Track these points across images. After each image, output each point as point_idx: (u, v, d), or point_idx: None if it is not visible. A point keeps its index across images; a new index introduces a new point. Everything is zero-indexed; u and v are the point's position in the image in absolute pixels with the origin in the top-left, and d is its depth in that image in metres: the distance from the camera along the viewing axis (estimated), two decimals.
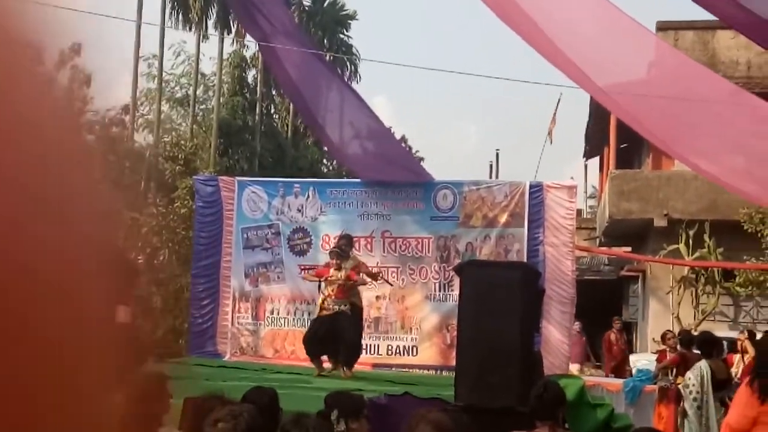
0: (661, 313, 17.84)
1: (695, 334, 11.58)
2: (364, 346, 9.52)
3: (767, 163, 6.35)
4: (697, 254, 16.81)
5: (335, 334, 8.87)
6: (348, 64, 33.72)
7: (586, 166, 28.12)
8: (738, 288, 16.85)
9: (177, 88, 34.88)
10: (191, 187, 14.78)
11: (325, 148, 31.23)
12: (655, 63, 6.18)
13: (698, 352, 9.09)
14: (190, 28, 30.42)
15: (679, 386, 9.15)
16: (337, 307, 8.95)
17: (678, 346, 10.69)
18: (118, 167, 20.77)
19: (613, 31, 5.97)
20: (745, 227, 15.98)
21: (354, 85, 30.14)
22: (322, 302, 9.11)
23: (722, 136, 6.32)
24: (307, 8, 33.31)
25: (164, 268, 16.80)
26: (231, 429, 2.58)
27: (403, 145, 10.61)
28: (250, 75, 33.28)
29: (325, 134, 11.57)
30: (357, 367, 9.45)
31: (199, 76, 31.48)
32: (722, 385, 8.25)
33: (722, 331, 14.37)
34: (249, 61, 32.90)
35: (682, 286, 17.58)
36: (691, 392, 8.32)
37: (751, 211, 15.26)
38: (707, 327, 16.01)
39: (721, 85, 6.28)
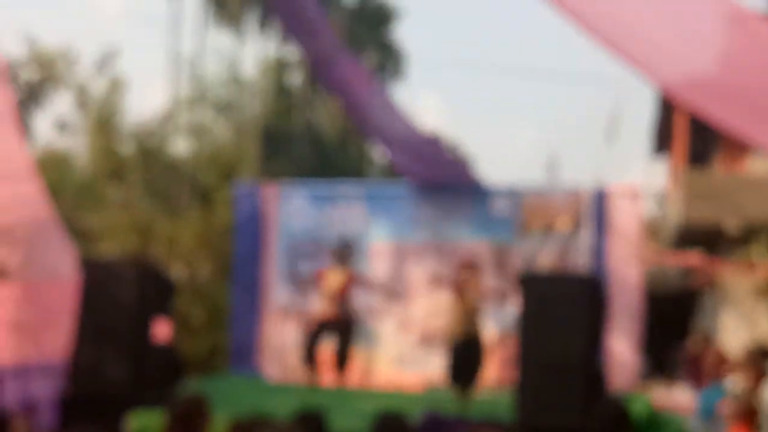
0: (736, 325, 17.48)
1: None
2: (417, 361, 9.58)
3: None
4: None
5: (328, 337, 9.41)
6: (395, 62, 33.76)
7: (651, 169, 27.73)
8: None
9: (217, 93, 35.26)
10: (232, 195, 14.91)
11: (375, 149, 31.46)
12: (725, 51, 6.06)
13: None
14: (232, 33, 30.76)
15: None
16: (336, 313, 9.39)
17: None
18: (158, 177, 21.11)
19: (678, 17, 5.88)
20: None
21: (402, 84, 30.18)
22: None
23: None
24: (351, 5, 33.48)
25: (206, 281, 16.98)
26: None
27: (451, 150, 10.58)
28: (293, 79, 33.51)
29: (375, 136, 11.63)
30: (408, 385, 9.50)
31: (241, 81, 31.79)
32: None
33: None
34: (291, 64, 33.13)
35: (759, 296, 17.21)
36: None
37: None
38: None
39: None
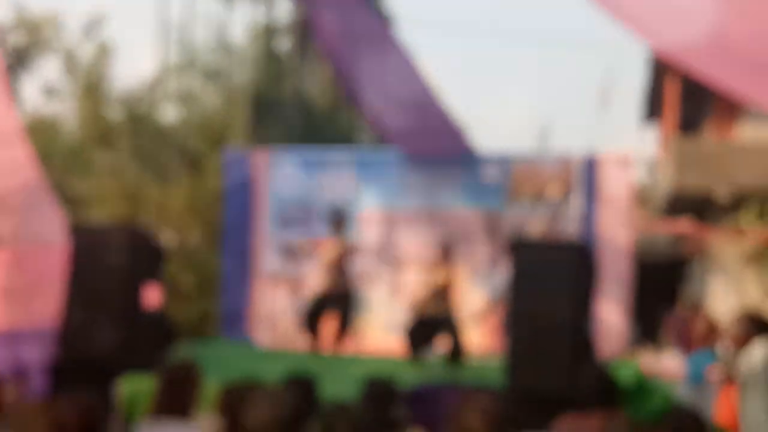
0: (725, 292, 17.62)
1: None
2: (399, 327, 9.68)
3: None
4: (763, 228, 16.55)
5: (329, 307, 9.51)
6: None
7: (642, 136, 27.74)
8: None
9: (205, 59, 35.04)
10: (221, 161, 14.88)
11: (365, 117, 31.31)
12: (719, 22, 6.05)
13: None
14: None
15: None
16: (334, 284, 9.48)
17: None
18: (146, 142, 21.02)
19: None
20: None
21: None
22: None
23: None
24: None
25: (195, 248, 16.99)
26: (270, 415, 2.61)
27: (446, 113, 10.46)
28: (282, 45, 33.29)
29: (364, 103, 11.59)
30: (399, 351, 9.59)
31: (230, 47, 31.57)
32: None
33: None
34: (281, 29, 32.90)
35: (748, 263, 17.33)
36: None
37: None
38: None
39: None
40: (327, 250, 9.57)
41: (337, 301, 9.51)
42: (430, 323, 8.86)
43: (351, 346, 9.82)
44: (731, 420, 9.50)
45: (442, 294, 8.92)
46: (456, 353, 8.82)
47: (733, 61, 5.90)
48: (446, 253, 9.16)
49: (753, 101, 6.96)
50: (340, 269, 9.50)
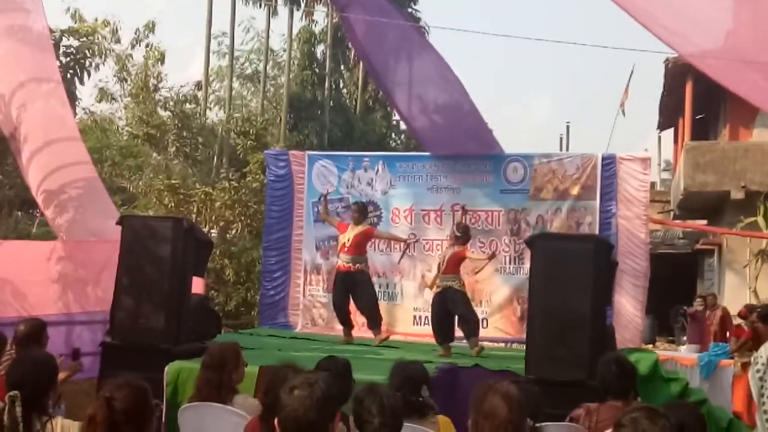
0: (738, 288, 17.40)
1: None
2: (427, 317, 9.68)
3: None
4: None
5: (354, 299, 9.59)
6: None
7: (660, 138, 27.50)
8: None
9: (247, 64, 35.23)
10: (262, 161, 14.96)
11: (399, 119, 31.35)
12: (733, 31, 5.99)
13: None
14: (260, 5, 30.67)
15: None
16: (350, 265, 9.46)
17: (754, 322, 10.46)
18: (192, 143, 21.16)
19: None
20: None
21: None
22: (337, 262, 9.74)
23: None
24: None
25: (237, 242, 17.11)
26: (307, 396, 2.62)
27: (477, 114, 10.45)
28: (319, 50, 33.38)
29: (396, 105, 11.61)
30: (428, 339, 9.59)
31: (269, 52, 31.71)
32: None
33: None
34: (318, 36, 32.99)
35: (760, 260, 17.11)
36: (756, 364, 8.15)
37: None
38: None
39: None
40: (347, 233, 9.56)
41: (358, 288, 9.53)
42: (446, 303, 8.84)
43: (384, 334, 9.81)
44: (745, 408, 9.41)
45: (454, 265, 8.89)
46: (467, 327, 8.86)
47: (748, 68, 5.84)
48: (464, 232, 9.08)
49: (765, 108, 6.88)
50: (356, 250, 9.49)
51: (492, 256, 9.49)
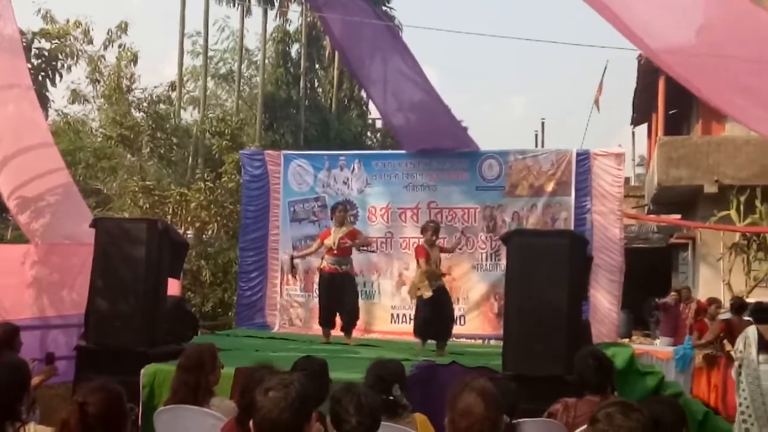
0: (712, 281, 17.56)
1: (748, 301, 11.45)
2: (412, 317, 9.62)
3: None
4: (748, 220, 16.48)
5: (339, 301, 9.47)
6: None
7: (633, 134, 27.68)
8: None
9: (221, 63, 35.04)
10: (238, 161, 14.90)
11: (375, 117, 31.38)
12: (704, 26, 6.03)
13: (749, 319, 9.01)
14: (234, 4, 30.49)
15: (731, 353, 9.11)
16: (336, 267, 9.39)
17: (718, 315, 10.65)
18: (167, 143, 21.00)
19: None
20: None
21: None
22: (321, 263, 9.59)
23: None
24: None
25: (213, 242, 17.02)
26: (282, 398, 2.61)
27: (450, 113, 10.46)
28: (294, 49, 33.25)
29: (374, 103, 11.61)
30: (405, 338, 9.61)
31: (244, 51, 31.55)
32: None
33: None
34: (292, 35, 32.86)
35: (733, 253, 17.27)
36: (737, 356, 8.30)
37: None
38: (759, 294, 15.74)
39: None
40: (331, 236, 9.50)
41: (342, 291, 9.49)
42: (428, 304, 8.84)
43: (361, 332, 9.79)
44: (709, 398, 9.52)
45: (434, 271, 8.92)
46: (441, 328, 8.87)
47: (708, 71, 5.89)
48: (436, 230, 9.12)
49: (724, 110, 6.95)
50: (341, 253, 9.46)
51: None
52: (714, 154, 17.49)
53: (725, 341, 10.02)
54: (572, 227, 9.99)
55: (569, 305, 6.73)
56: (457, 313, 9.84)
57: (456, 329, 10.38)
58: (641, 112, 23.49)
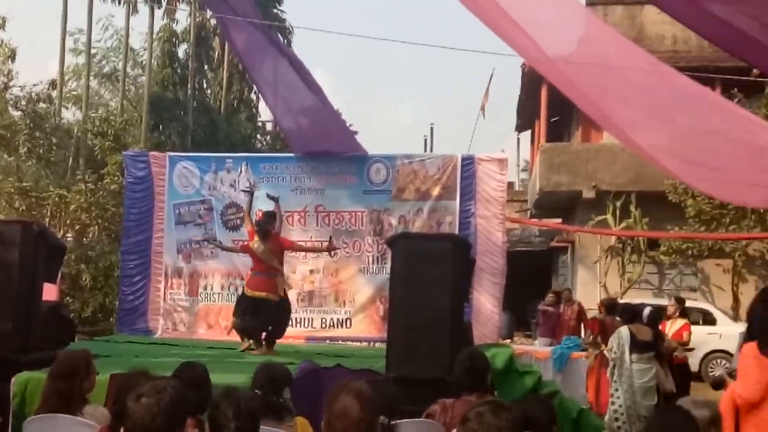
0: (589, 282, 18.23)
1: (620, 302, 11.94)
2: (298, 320, 9.53)
3: (687, 139, 6.46)
4: (623, 224, 17.19)
5: (261, 317, 8.80)
6: (281, 37, 33.26)
7: (518, 140, 28.45)
8: (662, 256, 17.32)
9: (105, 62, 34.05)
10: (121, 163, 14.50)
11: (264, 120, 31.11)
12: (585, 38, 6.24)
13: (619, 319, 9.42)
14: (119, 2, 29.64)
15: (604, 352, 9.48)
16: (260, 293, 8.76)
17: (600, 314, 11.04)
18: (46, 143, 20.22)
19: (545, 3, 6.02)
20: (670, 197, 16.40)
21: None
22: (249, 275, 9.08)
23: (647, 110, 6.41)
24: None
25: (94, 246, 16.50)
26: (154, 404, 2.55)
27: (339, 117, 10.45)
28: (181, 50, 32.64)
29: (267, 104, 11.50)
30: (291, 340, 9.53)
31: (129, 50, 30.73)
32: (646, 346, 8.53)
33: (647, 299, 14.77)
34: (180, 35, 32.24)
35: (609, 256, 17.97)
36: (612, 356, 8.65)
37: (675, 182, 15.61)
38: (633, 294, 16.44)
39: (644, 59, 6.33)
40: (255, 250, 8.84)
41: (272, 313, 8.83)
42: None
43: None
44: (597, 397, 9.86)
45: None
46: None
47: (585, 82, 6.11)
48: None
49: (600, 121, 7.23)
50: (270, 269, 8.87)
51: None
52: (593, 160, 18.16)
53: (598, 340, 10.39)
54: (457, 231, 10.16)
55: (452, 307, 6.82)
56: (343, 316, 9.85)
57: (342, 332, 10.42)
58: (525, 119, 24.15)
